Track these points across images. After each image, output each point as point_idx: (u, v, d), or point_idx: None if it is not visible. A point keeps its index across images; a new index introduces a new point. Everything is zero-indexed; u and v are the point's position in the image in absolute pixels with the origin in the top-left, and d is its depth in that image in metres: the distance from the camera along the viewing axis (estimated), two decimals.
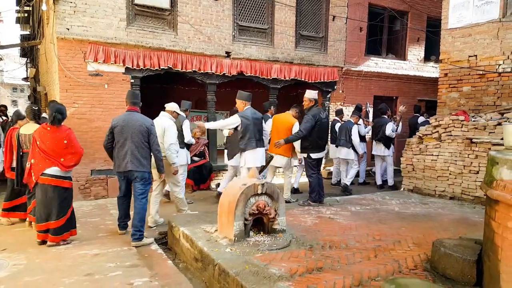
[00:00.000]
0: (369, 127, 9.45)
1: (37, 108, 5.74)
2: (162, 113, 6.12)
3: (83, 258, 4.45)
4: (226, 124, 6.48)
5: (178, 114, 6.33)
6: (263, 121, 6.68)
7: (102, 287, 3.70)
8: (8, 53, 35.18)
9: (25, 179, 4.93)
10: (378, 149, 9.08)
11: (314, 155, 6.44)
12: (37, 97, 14.75)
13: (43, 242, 4.82)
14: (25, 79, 20.15)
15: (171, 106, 6.24)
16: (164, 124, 5.80)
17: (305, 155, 6.50)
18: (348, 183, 8.54)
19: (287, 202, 7.04)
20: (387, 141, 8.82)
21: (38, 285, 3.73)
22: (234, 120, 6.25)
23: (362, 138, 9.05)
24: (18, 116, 5.85)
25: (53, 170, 4.71)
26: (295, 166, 7.70)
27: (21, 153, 5.39)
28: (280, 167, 7.30)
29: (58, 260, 4.36)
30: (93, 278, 3.90)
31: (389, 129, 8.71)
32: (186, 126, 6.85)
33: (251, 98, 6.39)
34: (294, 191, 8.07)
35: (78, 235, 5.14)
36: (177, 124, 6.20)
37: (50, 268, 4.12)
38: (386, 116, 9.15)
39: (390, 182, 9.04)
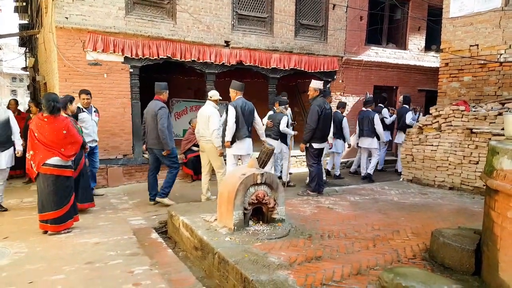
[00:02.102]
0: (394, 116, 9.64)
1: (64, 99, 5.76)
2: (207, 101, 6.46)
3: (84, 246, 4.47)
4: (232, 124, 6.12)
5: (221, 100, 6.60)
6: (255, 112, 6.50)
7: (102, 275, 3.72)
8: (7, 43, 34.96)
9: (27, 170, 4.93)
10: (400, 137, 9.44)
11: (316, 145, 6.49)
12: (36, 87, 14.70)
13: (46, 232, 4.84)
14: (24, 68, 20.07)
15: (212, 93, 6.48)
16: (208, 112, 6.26)
17: (307, 144, 6.54)
18: (371, 172, 8.76)
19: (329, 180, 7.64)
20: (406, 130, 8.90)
21: (39, 273, 3.75)
22: (232, 113, 6.09)
23: (387, 127, 9.51)
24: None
25: (55, 160, 4.72)
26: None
27: None
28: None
29: (59, 249, 4.38)
30: (93, 266, 3.93)
31: (409, 118, 9.06)
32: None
33: (244, 88, 6.39)
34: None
35: (79, 223, 5.17)
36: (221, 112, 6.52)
37: (51, 256, 4.15)
38: (407, 106, 9.45)
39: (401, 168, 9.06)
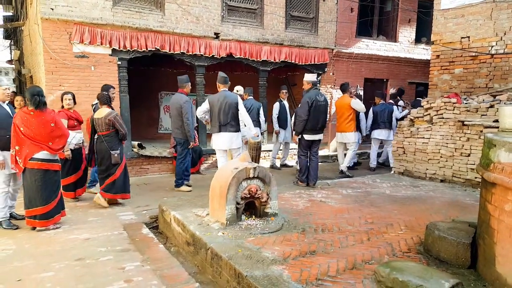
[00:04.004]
0: (406, 111, 9.66)
1: (107, 93, 5.83)
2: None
3: (73, 242, 4.37)
4: (202, 111, 6.37)
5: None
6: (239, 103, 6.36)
7: (93, 272, 3.63)
8: None
9: (13, 168, 4.78)
10: None
11: (307, 137, 6.53)
12: (22, 80, 14.36)
13: (34, 228, 4.73)
14: (10, 61, 19.56)
15: (237, 88, 7.38)
16: None
17: (299, 136, 6.61)
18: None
19: (341, 173, 8.03)
20: None
21: (28, 270, 3.65)
22: (205, 105, 6.33)
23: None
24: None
25: (42, 154, 4.59)
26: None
27: (95, 136, 5.74)
28: (348, 142, 8.28)
29: (48, 245, 4.28)
30: (84, 262, 3.84)
31: None
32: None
33: (227, 81, 6.33)
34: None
35: (68, 219, 5.07)
36: None
37: (40, 253, 4.05)
38: (421, 99, 9.54)
39: None
